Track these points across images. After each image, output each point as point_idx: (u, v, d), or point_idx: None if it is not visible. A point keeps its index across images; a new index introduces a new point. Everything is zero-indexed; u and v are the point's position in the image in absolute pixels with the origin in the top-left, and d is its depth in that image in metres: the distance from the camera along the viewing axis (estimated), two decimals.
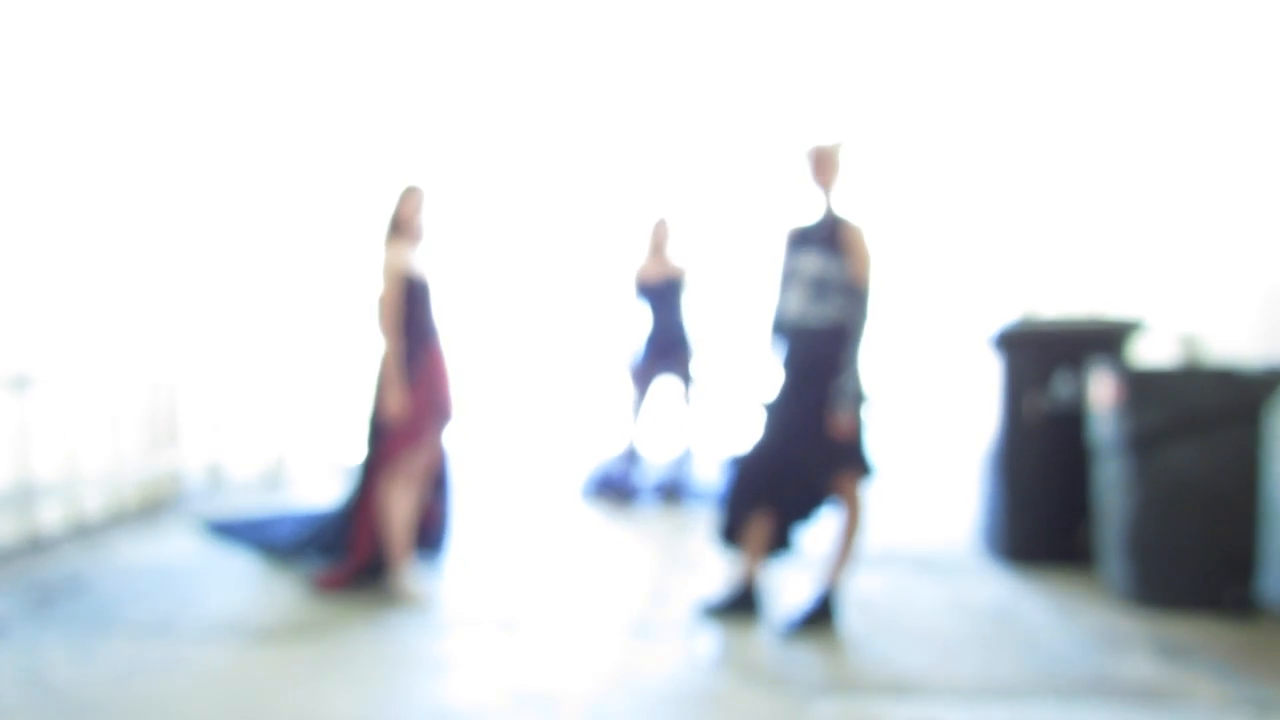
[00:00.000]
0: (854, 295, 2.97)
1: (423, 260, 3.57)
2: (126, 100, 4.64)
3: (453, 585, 3.53)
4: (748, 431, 3.17)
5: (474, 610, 3.22)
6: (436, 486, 3.70)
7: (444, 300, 3.63)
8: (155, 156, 4.93)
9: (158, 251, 4.97)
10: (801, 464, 3.01)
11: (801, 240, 3.07)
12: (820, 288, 2.98)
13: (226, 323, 5.47)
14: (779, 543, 3.15)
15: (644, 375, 5.14)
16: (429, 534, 3.74)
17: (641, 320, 5.16)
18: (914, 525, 4.62)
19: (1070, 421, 3.78)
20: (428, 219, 3.59)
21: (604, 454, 5.41)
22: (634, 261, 5.22)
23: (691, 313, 5.13)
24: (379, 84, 7.45)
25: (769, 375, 3.13)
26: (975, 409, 7.00)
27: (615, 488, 5.18)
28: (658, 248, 5.14)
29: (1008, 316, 3.90)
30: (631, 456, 5.19)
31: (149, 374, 4.35)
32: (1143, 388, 3.25)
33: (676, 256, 5.17)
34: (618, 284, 5.33)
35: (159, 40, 4.90)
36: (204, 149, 5.33)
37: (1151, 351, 4.04)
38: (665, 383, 5.16)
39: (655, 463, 5.66)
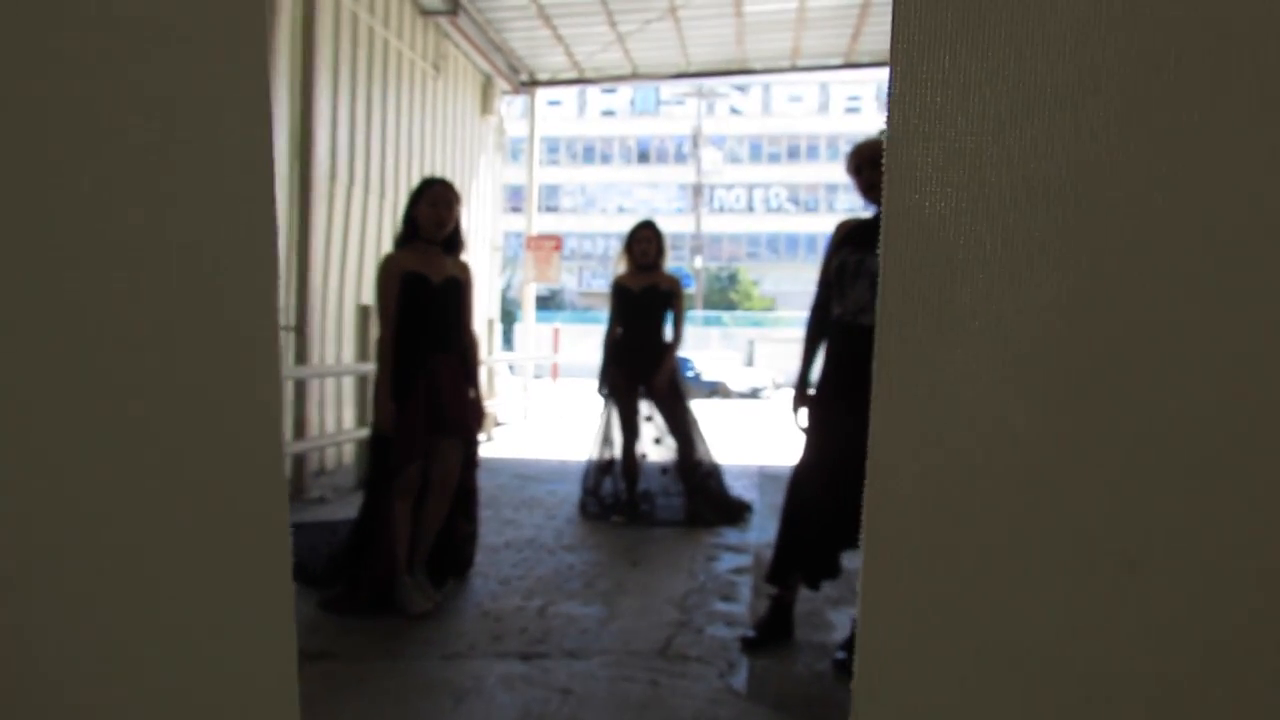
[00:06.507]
0: None
1: (442, 263, 3.30)
2: None
3: (475, 610, 3.35)
4: (796, 445, 3.00)
5: (496, 639, 3.05)
6: (462, 504, 3.50)
7: (469, 306, 3.38)
8: None
9: None
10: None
11: (867, 237, 2.87)
12: None
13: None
14: (828, 568, 2.97)
15: (617, 389, 4.94)
16: (455, 555, 3.58)
17: (617, 331, 4.90)
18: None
19: None
20: (448, 218, 3.27)
21: (590, 468, 5.20)
22: (617, 269, 4.97)
23: (675, 327, 4.87)
24: None
25: (812, 376, 2.98)
26: None
27: (599, 503, 5.03)
28: (637, 257, 4.82)
29: None
30: (606, 471, 5.04)
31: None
32: None
33: (663, 266, 4.88)
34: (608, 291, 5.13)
35: None
36: None
37: None
38: (641, 396, 4.95)
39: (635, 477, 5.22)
